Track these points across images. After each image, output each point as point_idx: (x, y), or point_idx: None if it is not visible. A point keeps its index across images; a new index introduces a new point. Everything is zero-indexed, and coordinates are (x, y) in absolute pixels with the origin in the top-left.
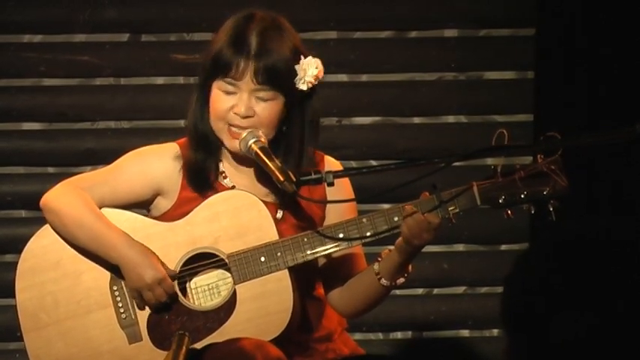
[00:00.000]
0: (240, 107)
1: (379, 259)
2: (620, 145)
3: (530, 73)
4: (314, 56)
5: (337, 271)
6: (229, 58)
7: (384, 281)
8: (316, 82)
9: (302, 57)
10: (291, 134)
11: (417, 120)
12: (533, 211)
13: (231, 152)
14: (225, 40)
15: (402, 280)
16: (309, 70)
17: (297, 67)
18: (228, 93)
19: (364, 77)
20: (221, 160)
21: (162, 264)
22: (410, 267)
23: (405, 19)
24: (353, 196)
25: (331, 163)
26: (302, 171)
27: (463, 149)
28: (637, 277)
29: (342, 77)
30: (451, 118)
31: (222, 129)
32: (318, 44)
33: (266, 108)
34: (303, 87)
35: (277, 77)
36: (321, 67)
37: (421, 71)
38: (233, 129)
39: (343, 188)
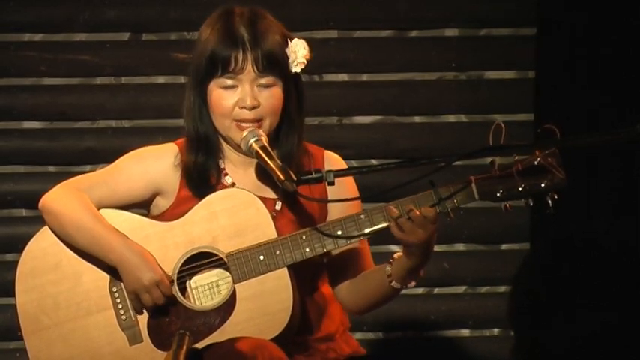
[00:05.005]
0: (245, 100)
1: (391, 260)
2: (620, 145)
3: (530, 72)
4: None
5: (344, 265)
6: (226, 54)
7: (395, 284)
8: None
9: (289, 40)
10: (291, 123)
11: (417, 119)
12: (531, 204)
13: (233, 147)
14: (216, 38)
15: (413, 283)
16: (299, 52)
17: (287, 50)
18: (228, 88)
19: (364, 77)
20: (221, 158)
21: (161, 266)
22: (422, 271)
23: (405, 18)
24: (356, 193)
25: (331, 158)
26: (302, 170)
27: (463, 149)
28: (637, 276)
29: (343, 77)
30: (451, 118)
31: (229, 126)
32: (319, 44)
33: (269, 96)
34: (297, 69)
35: (275, 62)
36: (308, 47)
37: (421, 71)
38: (241, 123)
39: (346, 185)
